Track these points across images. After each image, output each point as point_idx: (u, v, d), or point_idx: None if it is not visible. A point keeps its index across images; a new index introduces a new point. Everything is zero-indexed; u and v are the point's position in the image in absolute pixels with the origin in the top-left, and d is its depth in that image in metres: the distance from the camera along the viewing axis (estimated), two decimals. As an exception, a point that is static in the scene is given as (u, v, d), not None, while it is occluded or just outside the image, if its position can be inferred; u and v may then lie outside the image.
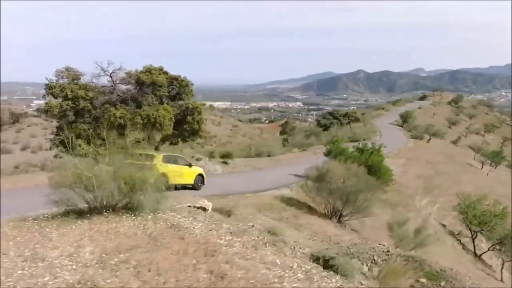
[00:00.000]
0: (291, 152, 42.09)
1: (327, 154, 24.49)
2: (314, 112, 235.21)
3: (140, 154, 14.53)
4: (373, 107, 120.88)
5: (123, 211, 8.87)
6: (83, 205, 8.55)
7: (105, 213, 8.65)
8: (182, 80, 23.35)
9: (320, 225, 14.13)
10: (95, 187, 7.95)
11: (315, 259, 7.70)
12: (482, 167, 52.71)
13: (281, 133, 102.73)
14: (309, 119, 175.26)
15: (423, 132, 69.58)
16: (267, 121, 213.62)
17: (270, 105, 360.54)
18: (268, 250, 7.90)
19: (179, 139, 23.53)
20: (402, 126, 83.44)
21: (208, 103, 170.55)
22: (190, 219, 8.96)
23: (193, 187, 17.92)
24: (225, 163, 25.49)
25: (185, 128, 22.77)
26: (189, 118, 22.53)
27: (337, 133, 48.07)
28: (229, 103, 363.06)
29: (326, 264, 7.40)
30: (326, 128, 77.64)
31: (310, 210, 16.42)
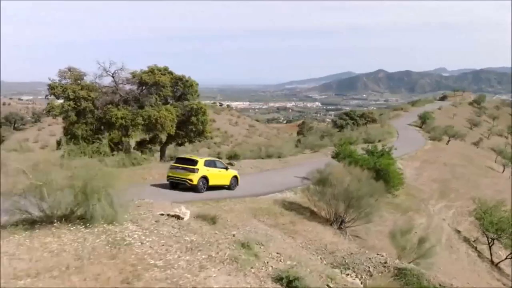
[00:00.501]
0: (303, 153, 41.33)
1: (335, 156, 23.71)
2: (333, 112, 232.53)
3: (184, 158, 17.73)
4: (392, 108, 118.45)
5: (78, 221, 8.14)
6: (37, 214, 8.00)
7: (56, 224, 7.93)
8: (187, 80, 23.00)
9: (318, 232, 13.44)
10: (46, 195, 7.44)
11: (278, 279, 7.02)
12: (504, 170, 50.67)
13: (298, 133, 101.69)
14: (327, 119, 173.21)
15: (441, 134, 67.60)
16: (285, 121, 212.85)
17: (289, 105, 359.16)
18: (222, 269, 7.20)
19: (186, 140, 23.20)
20: (420, 127, 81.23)
21: (225, 103, 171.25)
22: (147, 231, 8.21)
23: (228, 188, 19.42)
24: (231, 164, 24.99)
25: (191, 128, 22.40)
26: (193, 118, 22.16)
27: (350, 134, 47.03)
28: (248, 103, 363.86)
29: (290, 286, 6.66)
30: (342, 128, 76.48)
31: (312, 215, 15.72)
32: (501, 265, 26.83)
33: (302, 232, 12.97)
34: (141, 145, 24.42)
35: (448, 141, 64.79)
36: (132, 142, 23.92)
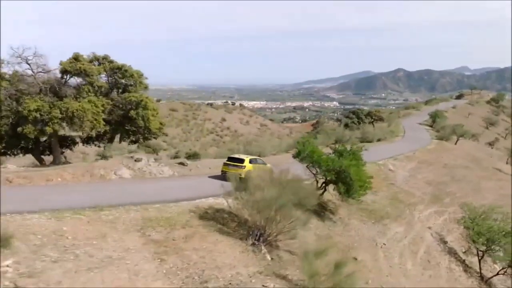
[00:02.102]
0: (288, 152, 38.32)
1: (296, 156, 20.75)
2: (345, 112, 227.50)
3: (234, 157, 21.66)
4: (404, 107, 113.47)
5: None
6: None
7: None
8: (126, 70, 20.39)
9: (214, 250, 10.64)
10: None
11: None
12: (513, 172, 46.45)
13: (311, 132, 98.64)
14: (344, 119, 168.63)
15: (450, 133, 63.23)
16: (300, 121, 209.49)
17: (306, 104, 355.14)
18: None
19: (126, 137, 20.54)
20: (431, 126, 76.56)
21: (238, 103, 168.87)
22: None
23: None
24: (183, 164, 22.38)
25: (131, 124, 19.77)
26: (132, 113, 19.59)
27: (343, 133, 43.71)
28: (265, 102, 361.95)
29: None
30: (347, 127, 72.93)
31: (232, 227, 12.92)
32: (494, 280, 23.34)
33: (188, 251, 10.24)
34: (88, 141, 22.10)
35: (457, 140, 60.39)
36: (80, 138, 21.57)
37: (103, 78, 20.86)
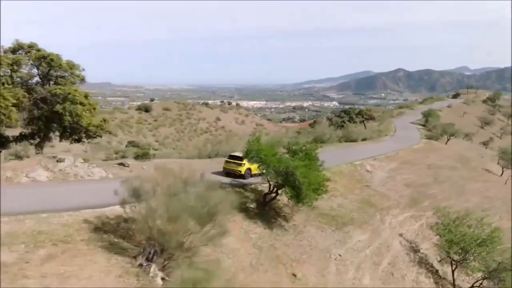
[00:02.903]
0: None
1: (245, 155, 18.49)
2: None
3: (234, 155, 22.24)
4: (397, 106, 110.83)
5: None
6: None
7: None
8: (52, 59, 18.16)
9: (76, 275, 8.42)
10: None
11: None
12: (502, 173, 43.92)
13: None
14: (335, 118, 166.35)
15: (441, 132, 60.80)
16: (299, 120, 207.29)
17: (305, 104, 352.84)
18: None
19: (52, 135, 18.30)
20: (424, 126, 74.02)
21: (235, 102, 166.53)
22: None
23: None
24: (123, 165, 20.16)
25: (59, 121, 17.55)
26: (58, 107, 17.40)
27: (323, 131, 41.34)
28: (264, 102, 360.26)
29: None
30: (337, 127, 70.54)
31: (130, 242, 10.69)
32: (471, 293, 21.04)
33: (34, 279, 8.04)
34: (20, 140, 19.95)
35: (448, 140, 57.96)
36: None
37: (28, 69, 18.65)
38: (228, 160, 23.03)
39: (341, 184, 27.65)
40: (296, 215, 19.75)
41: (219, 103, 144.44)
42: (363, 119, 78.24)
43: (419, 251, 22.53)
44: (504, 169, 44.14)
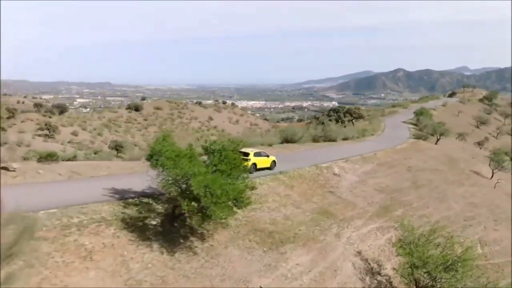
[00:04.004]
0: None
1: (149, 158, 14.44)
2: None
3: (241, 151, 21.52)
4: (390, 105, 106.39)
5: None
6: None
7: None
8: None
9: None
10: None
11: None
12: (492, 175, 39.63)
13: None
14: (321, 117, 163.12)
15: (431, 132, 56.63)
16: (297, 120, 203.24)
17: (305, 104, 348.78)
18: None
19: None
20: (416, 125, 69.65)
21: (230, 101, 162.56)
22: None
23: (269, 168, 25.53)
24: (6, 169, 16.11)
25: None
26: None
27: (294, 130, 37.11)
28: (264, 102, 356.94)
29: None
30: (317, 125, 66.38)
31: None
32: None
33: None
34: None
35: (437, 140, 53.77)
36: None
37: None
38: None
39: (298, 191, 23.60)
40: (220, 232, 15.68)
41: (213, 103, 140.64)
42: (352, 118, 74.17)
43: (380, 274, 18.40)
44: (494, 171, 39.84)
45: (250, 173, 22.31)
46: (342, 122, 72.63)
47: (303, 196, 23.12)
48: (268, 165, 25.67)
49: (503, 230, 28.11)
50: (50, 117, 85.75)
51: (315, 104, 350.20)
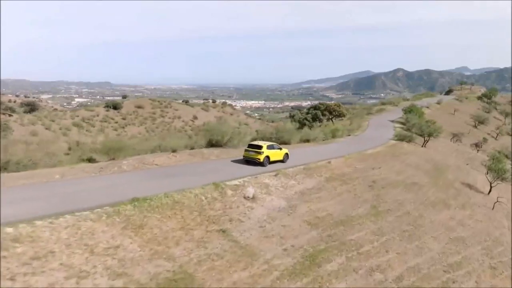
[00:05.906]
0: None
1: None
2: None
3: (253, 144, 23.97)
4: (380, 102, 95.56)
5: None
6: None
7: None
8: None
9: None
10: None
11: None
12: (490, 190, 29.16)
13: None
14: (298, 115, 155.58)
15: (418, 132, 46.27)
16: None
17: (304, 104, 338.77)
18: None
19: None
20: (405, 124, 58.88)
21: (223, 100, 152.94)
22: None
23: (282, 161, 24.93)
24: None
25: None
26: None
27: (221, 130, 26.97)
28: (263, 102, 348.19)
29: None
30: (302, 124, 56.19)
31: None
32: None
33: None
34: None
35: (425, 141, 43.43)
36: None
37: None
38: (248, 148, 24.20)
39: (150, 235, 13.40)
40: None
41: (202, 101, 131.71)
42: (331, 116, 63.79)
43: None
44: (492, 184, 29.40)
45: (264, 166, 23.02)
46: (320, 120, 62.34)
47: (154, 245, 12.90)
48: (281, 158, 25.03)
49: (506, 282, 17.67)
50: (10, 115, 76.65)
51: (314, 104, 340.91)
